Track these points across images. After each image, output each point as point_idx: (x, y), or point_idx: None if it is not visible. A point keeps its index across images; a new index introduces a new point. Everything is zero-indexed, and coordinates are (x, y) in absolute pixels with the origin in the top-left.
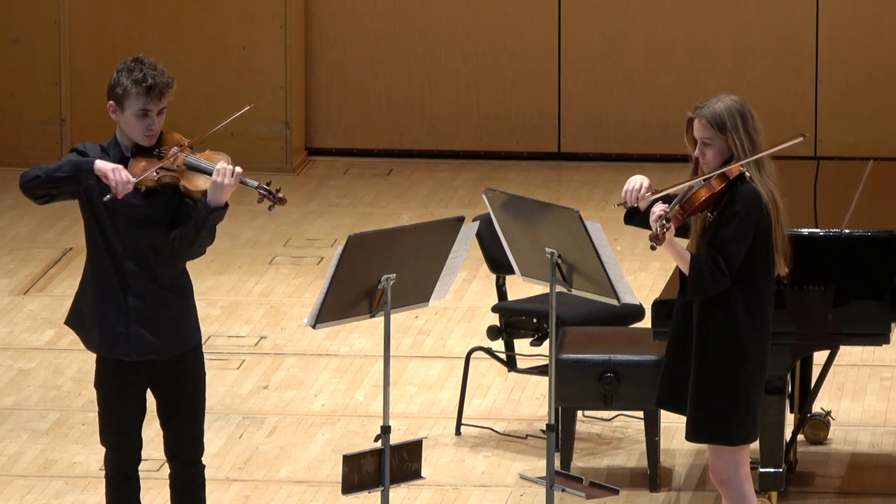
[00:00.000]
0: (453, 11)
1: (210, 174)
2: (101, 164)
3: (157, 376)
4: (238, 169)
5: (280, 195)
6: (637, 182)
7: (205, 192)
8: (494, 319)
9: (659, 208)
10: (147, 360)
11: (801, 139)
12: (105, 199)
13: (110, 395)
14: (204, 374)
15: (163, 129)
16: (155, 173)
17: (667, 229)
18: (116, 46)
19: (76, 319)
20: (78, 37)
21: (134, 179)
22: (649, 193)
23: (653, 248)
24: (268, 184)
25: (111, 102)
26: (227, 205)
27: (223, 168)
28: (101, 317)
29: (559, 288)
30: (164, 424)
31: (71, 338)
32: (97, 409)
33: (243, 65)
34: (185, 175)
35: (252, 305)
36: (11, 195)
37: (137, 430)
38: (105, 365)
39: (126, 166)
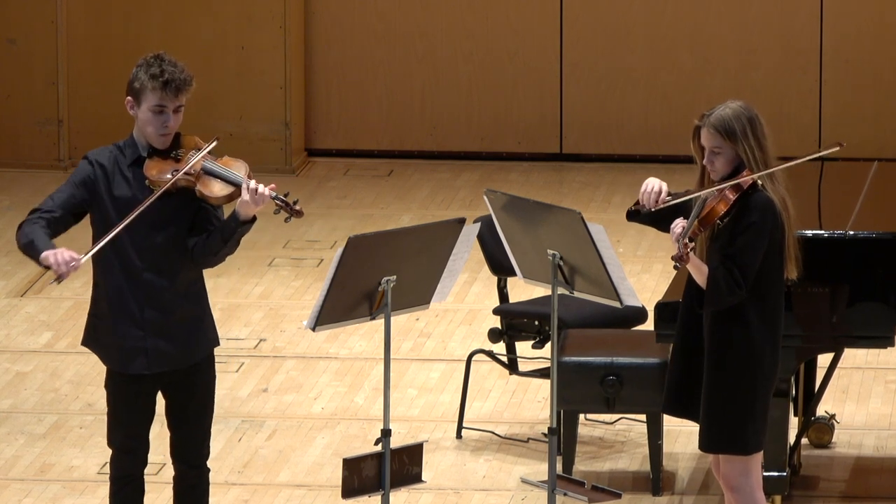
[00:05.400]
0: (454, 11)
1: (227, 181)
2: (46, 256)
3: (170, 382)
4: (268, 189)
5: (297, 207)
6: (656, 185)
7: (221, 199)
8: (496, 322)
9: (678, 227)
10: (164, 371)
11: (838, 148)
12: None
13: (121, 400)
14: (215, 377)
15: (181, 132)
16: (170, 175)
17: (691, 249)
18: (114, 47)
19: (92, 339)
20: (75, 37)
21: (78, 256)
22: (670, 198)
23: (676, 268)
24: (285, 195)
25: (129, 98)
26: (255, 218)
27: (255, 187)
28: (117, 333)
29: (561, 290)
30: (172, 426)
31: (68, 340)
32: (106, 410)
33: (243, 65)
34: (202, 180)
35: (251, 308)
36: (8, 196)
37: (146, 433)
38: (118, 374)
39: (142, 166)
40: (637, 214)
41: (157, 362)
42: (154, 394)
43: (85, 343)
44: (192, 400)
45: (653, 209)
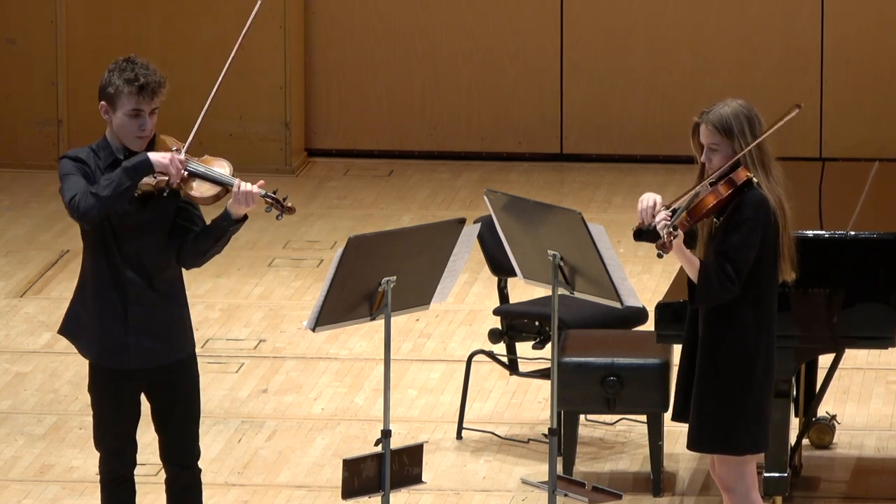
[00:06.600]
0: (454, 11)
1: (214, 181)
2: (156, 158)
3: (153, 382)
4: (257, 187)
5: (289, 204)
6: (650, 200)
7: (209, 200)
8: (496, 322)
9: (664, 215)
10: (146, 367)
11: (797, 111)
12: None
13: (106, 401)
14: (198, 377)
15: (155, 132)
16: (153, 178)
17: (674, 237)
18: (114, 47)
19: (71, 329)
20: (75, 37)
21: (184, 159)
22: (663, 209)
23: (660, 255)
24: (274, 192)
25: (103, 103)
26: (246, 216)
27: (244, 188)
28: (100, 327)
29: (561, 290)
30: (160, 429)
31: (68, 341)
32: (92, 414)
33: (243, 65)
34: (188, 182)
35: (251, 308)
36: (8, 196)
37: (133, 434)
38: (101, 372)
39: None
40: (644, 232)
41: (140, 358)
42: (138, 394)
43: (63, 332)
44: (177, 401)
45: (651, 223)
